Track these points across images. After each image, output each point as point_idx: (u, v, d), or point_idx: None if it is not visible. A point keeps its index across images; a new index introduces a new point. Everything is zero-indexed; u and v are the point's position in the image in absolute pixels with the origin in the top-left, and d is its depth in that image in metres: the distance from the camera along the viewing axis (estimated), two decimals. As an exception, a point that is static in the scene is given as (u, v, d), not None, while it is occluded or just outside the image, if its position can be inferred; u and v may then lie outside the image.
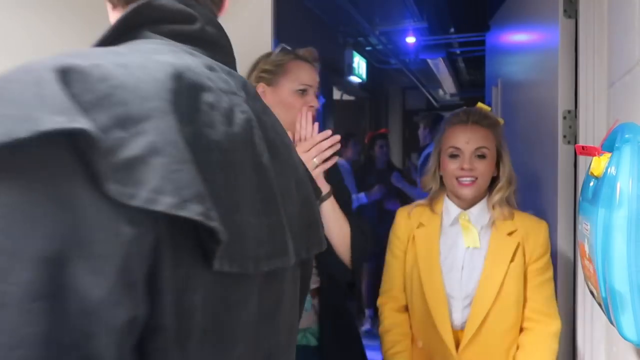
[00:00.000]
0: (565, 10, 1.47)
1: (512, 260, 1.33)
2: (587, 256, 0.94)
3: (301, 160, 0.66)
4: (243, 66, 1.73)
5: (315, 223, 0.63)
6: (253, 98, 0.57)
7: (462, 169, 1.35)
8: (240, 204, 0.47)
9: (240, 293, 0.48)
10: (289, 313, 0.59)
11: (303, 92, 1.37)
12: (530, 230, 1.35)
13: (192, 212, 0.39)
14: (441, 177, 1.44)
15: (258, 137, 0.53)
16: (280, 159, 0.57)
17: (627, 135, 0.86)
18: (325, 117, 4.02)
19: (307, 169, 0.68)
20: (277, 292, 0.56)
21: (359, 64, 4.69)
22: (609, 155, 0.89)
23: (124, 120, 0.38)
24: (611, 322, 0.88)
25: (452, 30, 4.38)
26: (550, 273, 1.36)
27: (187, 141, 0.42)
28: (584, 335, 1.40)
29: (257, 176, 0.50)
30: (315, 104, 1.39)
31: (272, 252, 0.51)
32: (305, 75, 1.40)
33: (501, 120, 1.43)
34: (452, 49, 4.94)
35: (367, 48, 4.83)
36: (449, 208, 1.42)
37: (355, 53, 4.50)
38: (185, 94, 0.45)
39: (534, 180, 1.82)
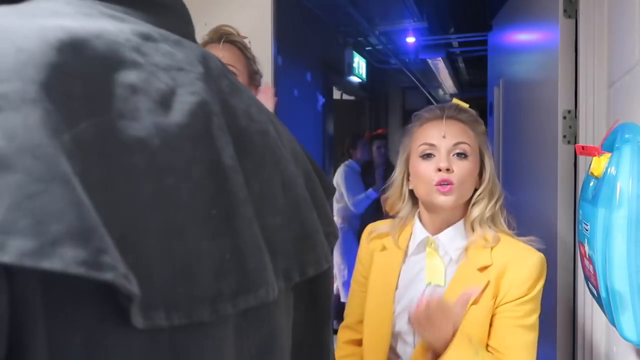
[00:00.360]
0: (565, 10, 1.47)
1: (475, 302, 1.00)
2: (587, 256, 0.94)
3: (301, 154, 0.53)
4: (243, 66, 1.74)
5: (311, 235, 0.49)
6: (218, 75, 0.43)
7: (439, 169, 1.04)
8: (185, 224, 0.34)
9: (201, 346, 0.35)
10: (285, 347, 0.47)
11: None
12: (510, 263, 1.00)
13: (63, 260, 0.25)
14: (411, 194, 1.13)
15: (218, 127, 0.39)
16: (256, 154, 0.43)
17: (627, 135, 0.86)
18: (325, 116, 4.02)
19: (313, 163, 0.55)
20: (267, 329, 0.43)
21: (359, 64, 4.69)
22: (609, 155, 0.89)
23: None
24: (611, 322, 0.88)
25: (452, 30, 4.38)
26: (530, 320, 0.98)
27: (81, 142, 0.29)
28: (584, 335, 1.40)
29: (213, 182, 0.37)
30: None
31: (241, 286, 0.37)
32: None
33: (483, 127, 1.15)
34: (452, 49, 4.94)
35: (367, 48, 4.83)
36: (416, 232, 1.11)
37: (355, 53, 4.50)
38: (83, 72, 0.31)
39: (534, 180, 1.82)
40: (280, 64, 2.14)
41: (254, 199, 0.41)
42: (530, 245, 1.02)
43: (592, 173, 0.94)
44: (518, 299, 0.98)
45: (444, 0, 3.81)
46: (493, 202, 1.07)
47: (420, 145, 1.08)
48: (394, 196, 1.15)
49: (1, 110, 0.26)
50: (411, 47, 4.62)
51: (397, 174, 1.14)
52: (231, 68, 1.31)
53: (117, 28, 0.36)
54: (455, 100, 1.15)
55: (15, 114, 0.26)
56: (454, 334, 0.93)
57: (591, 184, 0.96)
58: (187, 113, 0.36)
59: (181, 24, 0.45)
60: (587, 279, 1.00)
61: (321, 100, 3.91)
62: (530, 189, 1.84)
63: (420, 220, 1.12)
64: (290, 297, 0.48)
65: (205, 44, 1.36)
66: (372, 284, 1.13)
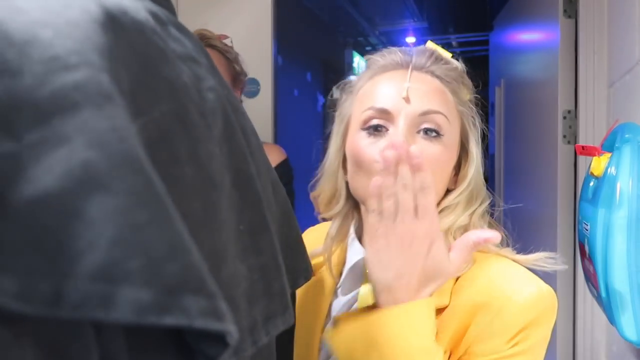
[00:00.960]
0: (565, 10, 1.47)
1: None
2: (587, 256, 0.94)
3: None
4: (244, 66, 1.74)
5: (298, 241, 0.43)
6: (214, 67, 0.36)
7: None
8: (225, 244, 0.29)
9: None
10: None
11: None
12: (483, 301, 0.58)
13: (187, 313, 0.20)
14: (348, 188, 0.68)
15: (235, 128, 0.33)
16: (256, 156, 0.37)
17: (627, 135, 0.86)
18: (325, 116, 4.02)
19: None
20: (268, 352, 0.37)
21: (359, 64, 4.70)
22: (609, 155, 0.89)
23: (15, 114, 0.18)
24: (611, 322, 0.88)
25: (451, 30, 4.39)
26: None
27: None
28: (584, 335, 1.40)
29: (238, 192, 0.31)
30: None
31: (270, 310, 0.32)
32: None
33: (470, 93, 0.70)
34: (452, 49, 4.95)
35: (367, 48, 4.84)
36: (351, 250, 0.70)
37: (355, 53, 4.50)
38: (125, 60, 0.24)
39: (534, 180, 1.82)
40: (280, 64, 2.14)
41: (267, 207, 0.35)
42: (536, 267, 0.63)
43: (592, 173, 0.94)
44: (489, 355, 0.57)
45: (444, 0, 3.81)
46: (471, 210, 0.66)
47: (366, 110, 0.64)
48: (326, 192, 0.71)
49: (80, 107, 0.19)
50: (411, 47, 4.62)
51: (331, 157, 0.70)
52: None
53: (133, 4, 0.28)
54: (430, 44, 0.72)
55: (99, 113, 0.20)
56: (418, 287, 0.54)
57: (591, 184, 0.96)
58: (210, 113, 0.30)
59: (170, 6, 0.36)
60: (587, 279, 1.00)
61: (321, 100, 3.92)
62: (531, 189, 1.84)
63: (359, 232, 0.69)
64: None
65: None
66: (297, 324, 0.74)
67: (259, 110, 1.77)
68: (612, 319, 0.87)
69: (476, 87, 0.72)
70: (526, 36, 2.07)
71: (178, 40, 0.32)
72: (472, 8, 3.80)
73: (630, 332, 0.83)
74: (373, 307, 0.55)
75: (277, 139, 1.81)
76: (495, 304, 0.57)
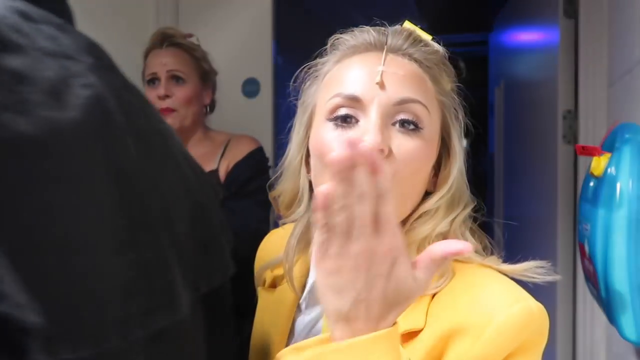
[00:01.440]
0: (565, 10, 1.47)
1: None
2: (587, 256, 0.94)
3: (188, 154, 0.46)
4: (244, 66, 1.74)
5: (215, 240, 0.43)
6: (109, 67, 0.37)
7: None
8: (86, 237, 0.30)
9: None
10: None
11: (151, 82, 1.29)
12: (462, 322, 0.50)
13: None
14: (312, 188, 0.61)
15: (118, 126, 0.34)
16: (157, 156, 0.38)
17: (627, 135, 0.86)
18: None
19: (198, 165, 0.48)
20: (175, 350, 0.38)
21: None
22: (609, 155, 0.89)
23: None
24: (611, 322, 0.88)
25: (452, 30, 4.39)
26: None
27: None
28: (584, 335, 1.40)
29: (117, 188, 0.32)
30: (160, 92, 1.25)
31: (151, 305, 0.33)
32: (150, 64, 1.30)
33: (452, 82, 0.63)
34: (451, 48, 4.95)
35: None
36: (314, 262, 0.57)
37: (355, 53, 4.51)
38: None
39: (534, 180, 1.82)
40: (280, 64, 2.14)
41: (160, 205, 0.36)
42: (525, 278, 0.55)
43: (592, 173, 0.94)
44: None
45: (444, 0, 3.81)
46: (452, 217, 0.57)
47: (333, 97, 0.56)
48: (287, 192, 0.63)
49: None
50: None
51: (292, 152, 0.62)
52: (178, 73, 1.27)
53: None
54: (408, 24, 0.64)
55: None
56: (380, 315, 0.42)
57: (591, 184, 0.96)
58: (82, 109, 0.31)
59: (63, 8, 0.38)
60: (587, 279, 1.00)
61: (321, 100, 3.91)
62: (530, 189, 1.84)
63: None
64: (198, 310, 0.41)
65: (148, 50, 1.31)
66: (253, 342, 0.67)
67: (259, 110, 1.77)
68: (612, 319, 0.87)
69: (459, 75, 0.64)
70: (526, 36, 2.07)
71: (52, 38, 0.33)
72: (472, 8, 3.80)
73: (630, 332, 0.83)
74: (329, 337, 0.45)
75: (277, 139, 1.81)
76: (475, 327, 0.49)
